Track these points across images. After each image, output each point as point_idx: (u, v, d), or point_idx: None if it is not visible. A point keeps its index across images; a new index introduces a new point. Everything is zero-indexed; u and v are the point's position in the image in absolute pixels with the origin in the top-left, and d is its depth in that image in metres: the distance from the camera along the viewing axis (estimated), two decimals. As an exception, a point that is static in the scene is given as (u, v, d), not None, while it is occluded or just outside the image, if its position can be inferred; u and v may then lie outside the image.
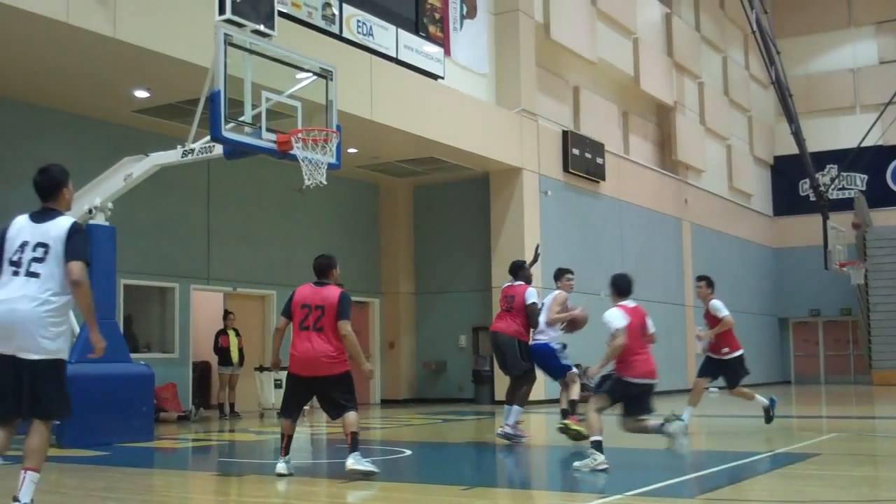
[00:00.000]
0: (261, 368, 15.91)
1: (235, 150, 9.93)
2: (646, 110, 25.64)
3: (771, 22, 27.75)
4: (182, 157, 10.31)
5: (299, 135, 9.56)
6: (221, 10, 9.37)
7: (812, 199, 29.77)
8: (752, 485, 7.05)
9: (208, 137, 9.69)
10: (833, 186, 30.13)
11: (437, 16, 17.29)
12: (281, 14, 10.92)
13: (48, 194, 5.36)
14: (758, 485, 7.08)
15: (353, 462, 7.25)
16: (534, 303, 10.02)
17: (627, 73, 23.75)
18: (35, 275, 5.08)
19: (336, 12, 14.53)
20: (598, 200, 21.47)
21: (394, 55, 15.73)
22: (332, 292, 7.40)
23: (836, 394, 23.85)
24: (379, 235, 20.23)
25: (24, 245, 5.14)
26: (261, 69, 9.74)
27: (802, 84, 30.74)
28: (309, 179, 9.66)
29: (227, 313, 16.05)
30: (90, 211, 10.73)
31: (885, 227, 29.35)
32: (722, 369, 11.25)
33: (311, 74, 10.29)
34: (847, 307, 30.75)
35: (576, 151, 20.25)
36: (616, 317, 7.58)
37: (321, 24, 14.17)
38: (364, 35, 15.14)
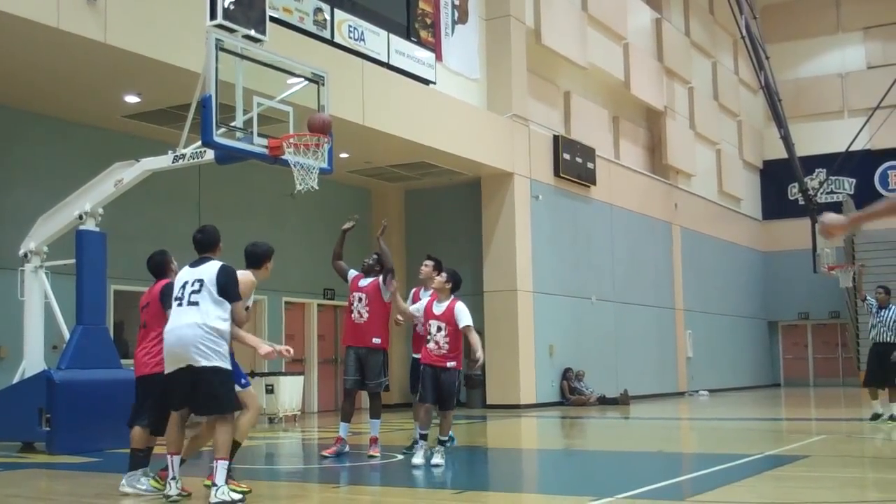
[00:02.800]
0: (252, 374, 15.88)
1: (227, 156, 9.91)
2: (636, 115, 25.73)
3: (760, 27, 27.89)
4: (173, 162, 10.27)
5: (291, 140, 9.55)
6: (212, 16, 9.35)
7: (801, 202, 29.93)
8: (742, 487, 7.08)
9: (199, 142, 9.67)
10: (822, 190, 30.34)
11: (429, 21, 17.32)
12: (272, 19, 10.92)
13: (205, 249, 7.02)
14: (747, 487, 7.11)
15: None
16: None
17: (618, 79, 23.83)
18: (195, 304, 6.50)
19: (327, 17, 14.55)
20: (589, 205, 21.52)
21: (385, 60, 15.76)
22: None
23: (825, 396, 23.95)
24: (370, 240, 20.18)
25: (185, 284, 6.65)
26: (252, 74, 9.73)
27: (791, 89, 30.92)
28: (301, 184, 9.64)
29: (218, 318, 16.02)
30: (80, 216, 10.67)
31: (872, 231, 29.47)
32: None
33: (302, 79, 10.28)
34: (836, 310, 30.91)
35: (567, 156, 20.31)
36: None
37: (313, 29, 14.20)
38: (356, 40, 15.17)
